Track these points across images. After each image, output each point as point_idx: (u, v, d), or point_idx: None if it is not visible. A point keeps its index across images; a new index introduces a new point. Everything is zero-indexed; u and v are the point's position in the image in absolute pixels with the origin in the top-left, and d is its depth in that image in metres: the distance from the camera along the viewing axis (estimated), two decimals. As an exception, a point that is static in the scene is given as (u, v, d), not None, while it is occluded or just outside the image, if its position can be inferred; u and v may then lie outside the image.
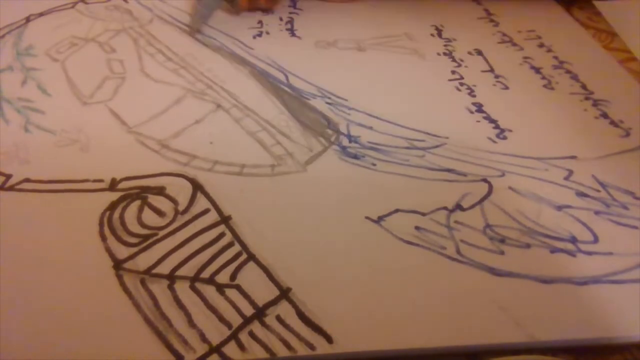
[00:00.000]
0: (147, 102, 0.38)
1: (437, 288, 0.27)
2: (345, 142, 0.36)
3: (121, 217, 0.30)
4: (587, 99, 0.40)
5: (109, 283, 0.27)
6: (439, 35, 0.47)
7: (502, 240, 0.30)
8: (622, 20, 0.48)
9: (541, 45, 0.46)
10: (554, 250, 0.29)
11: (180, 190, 0.32)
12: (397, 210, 0.31)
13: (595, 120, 0.38)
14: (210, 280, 0.27)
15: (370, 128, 0.37)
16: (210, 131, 0.36)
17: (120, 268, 0.28)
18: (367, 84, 0.41)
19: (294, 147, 0.35)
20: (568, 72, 0.43)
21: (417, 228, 0.30)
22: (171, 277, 0.27)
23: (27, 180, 0.32)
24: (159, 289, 0.27)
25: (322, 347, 0.25)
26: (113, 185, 0.32)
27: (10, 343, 0.25)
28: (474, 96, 0.40)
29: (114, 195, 0.31)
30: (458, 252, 0.29)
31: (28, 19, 0.46)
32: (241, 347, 0.25)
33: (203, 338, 0.25)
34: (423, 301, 0.27)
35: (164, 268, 0.28)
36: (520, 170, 0.34)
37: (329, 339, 0.25)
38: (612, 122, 0.38)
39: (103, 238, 0.29)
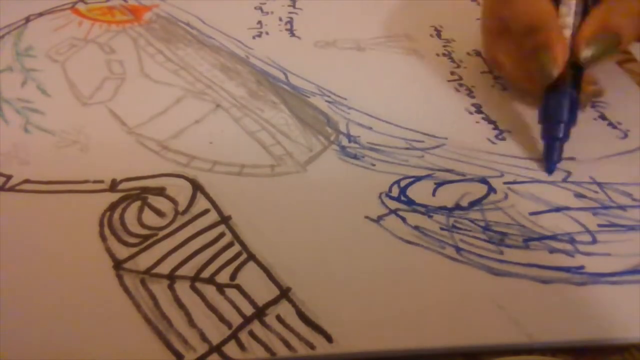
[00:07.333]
0: (147, 102, 0.38)
1: (437, 288, 0.28)
2: (344, 141, 0.36)
3: (121, 218, 0.30)
4: (585, 99, 0.40)
5: (109, 283, 0.27)
6: (439, 35, 0.47)
7: (501, 241, 0.30)
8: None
9: (540, 46, 0.46)
10: (552, 250, 0.29)
11: (180, 191, 0.32)
12: (396, 210, 0.31)
13: (593, 122, 0.38)
14: (210, 280, 0.27)
15: (370, 128, 0.37)
16: (210, 131, 0.36)
17: (120, 268, 0.28)
18: (367, 84, 0.41)
19: (293, 146, 0.35)
20: (567, 73, 0.43)
21: (416, 228, 0.30)
22: (171, 277, 0.27)
23: (27, 181, 0.32)
24: (159, 288, 0.27)
25: (322, 347, 0.25)
26: (113, 186, 0.32)
27: (11, 343, 0.25)
28: (473, 97, 0.40)
29: (114, 196, 0.31)
30: (457, 252, 0.29)
31: (28, 19, 0.46)
32: (241, 346, 0.25)
33: (203, 337, 0.25)
34: (422, 301, 0.27)
35: (164, 268, 0.28)
36: (519, 171, 0.34)
37: (329, 339, 0.25)
38: (610, 124, 0.38)
39: (103, 238, 0.29)
